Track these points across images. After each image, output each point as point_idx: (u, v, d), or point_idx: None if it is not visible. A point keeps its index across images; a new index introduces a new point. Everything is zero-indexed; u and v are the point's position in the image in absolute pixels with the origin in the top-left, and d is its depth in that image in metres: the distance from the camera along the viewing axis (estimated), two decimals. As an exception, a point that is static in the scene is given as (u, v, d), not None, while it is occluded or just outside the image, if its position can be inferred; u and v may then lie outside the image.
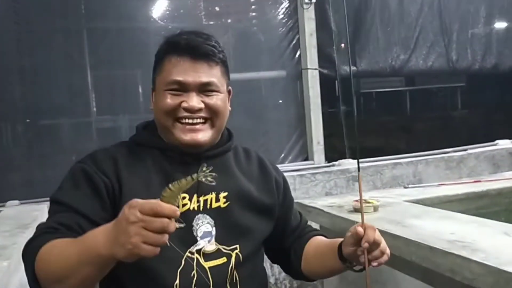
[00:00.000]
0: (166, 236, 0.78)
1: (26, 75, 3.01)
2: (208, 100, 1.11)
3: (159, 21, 3.32)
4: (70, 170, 1.13)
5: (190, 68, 1.10)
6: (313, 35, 3.46)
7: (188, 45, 1.10)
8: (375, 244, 1.01)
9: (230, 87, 1.21)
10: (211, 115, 1.13)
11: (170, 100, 1.10)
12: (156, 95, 1.15)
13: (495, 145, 3.86)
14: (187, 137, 1.10)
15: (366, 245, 1.00)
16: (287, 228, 1.28)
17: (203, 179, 0.85)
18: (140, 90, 3.22)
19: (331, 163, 3.46)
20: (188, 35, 1.13)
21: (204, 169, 0.86)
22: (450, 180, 2.52)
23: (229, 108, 1.21)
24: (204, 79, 1.10)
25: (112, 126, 3.23)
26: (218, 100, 1.13)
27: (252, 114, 3.47)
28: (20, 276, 1.57)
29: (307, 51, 3.44)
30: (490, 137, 3.99)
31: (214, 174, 0.86)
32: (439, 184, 2.10)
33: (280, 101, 3.59)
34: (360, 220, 1.06)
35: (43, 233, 0.99)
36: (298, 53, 3.50)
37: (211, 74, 1.11)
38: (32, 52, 2.98)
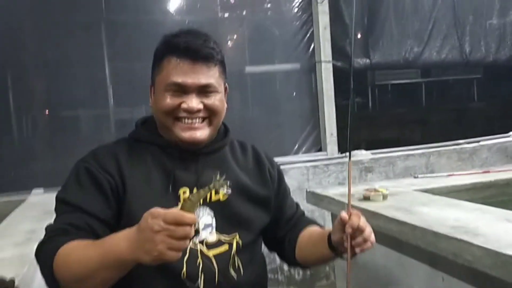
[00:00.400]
0: (188, 242, 0.86)
1: (47, 68, 3.11)
2: (207, 100, 1.15)
3: (176, 15, 3.40)
4: (73, 169, 1.15)
5: (190, 71, 1.12)
6: (327, 29, 3.51)
7: (188, 48, 1.12)
8: (358, 231, 1.04)
9: (226, 85, 1.24)
10: (209, 115, 1.16)
11: (169, 101, 1.13)
12: (155, 94, 1.17)
13: (508, 136, 3.87)
14: (187, 135, 1.14)
15: (349, 230, 1.03)
16: (282, 217, 1.32)
17: (220, 189, 0.92)
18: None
19: (344, 154, 3.51)
20: (187, 37, 1.14)
21: (218, 178, 0.92)
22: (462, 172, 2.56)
23: (226, 105, 1.24)
24: (203, 81, 1.13)
25: (129, 118, 3.31)
26: (216, 100, 1.16)
27: (266, 106, 3.54)
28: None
29: (321, 44, 3.50)
30: (505, 129, 4.00)
31: (229, 182, 0.93)
32: (449, 175, 2.15)
33: (294, 94, 3.65)
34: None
35: (55, 235, 1.03)
36: (312, 46, 3.56)
37: (210, 76, 1.14)
38: (52, 45, 3.08)
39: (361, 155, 3.48)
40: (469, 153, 3.64)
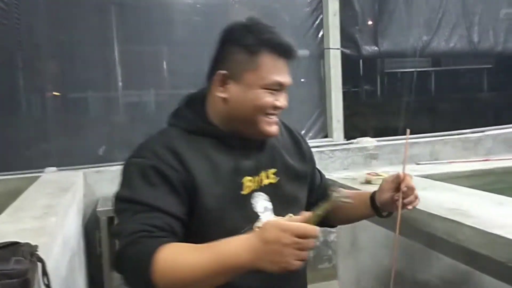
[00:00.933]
0: (311, 251, 0.93)
1: (57, 49, 3.15)
2: (287, 97, 1.21)
3: (186, -2, 3.44)
4: (133, 166, 1.10)
5: (285, 69, 1.18)
6: (337, 15, 3.54)
7: (287, 47, 1.17)
8: (411, 189, 1.17)
9: None
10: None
11: (268, 99, 1.15)
12: (243, 88, 1.15)
13: (514, 127, 3.89)
14: (272, 129, 1.19)
15: (405, 188, 1.15)
16: (314, 185, 1.41)
17: (343, 202, 0.98)
18: (164, 65, 3.36)
19: (349, 141, 3.57)
20: (278, 33, 1.19)
21: (336, 194, 0.98)
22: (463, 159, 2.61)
23: None
24: (290, 79, 1.20)
25: (137, 101, 3.37)
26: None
27: (275, 91, 3.58)
28: (64, 231, 1.76)
29: (330, 31, 3.52)
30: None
31: (348, 195, 0.99)
32: (449, 162, 2.21)
33: (303, 80, 3.69)
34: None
35: (140, 237, 0.98)
36: (321, 32, 3.59)
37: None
38: (62, 27, 3.12)
39: (367, 142, 3.53)
40: (473, 143, 3.67)
